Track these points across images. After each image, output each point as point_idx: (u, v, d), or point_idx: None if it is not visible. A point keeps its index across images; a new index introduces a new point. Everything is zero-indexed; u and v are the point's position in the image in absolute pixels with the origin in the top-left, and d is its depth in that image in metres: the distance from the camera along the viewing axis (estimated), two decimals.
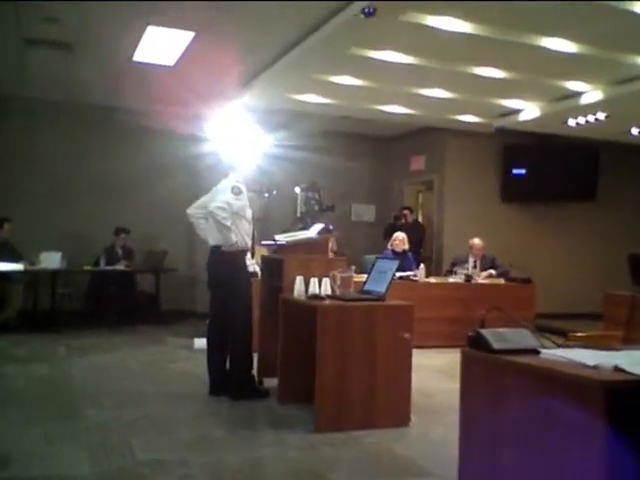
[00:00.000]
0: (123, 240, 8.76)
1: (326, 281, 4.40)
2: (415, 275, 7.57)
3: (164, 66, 7.05)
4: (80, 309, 8.52)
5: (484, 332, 2.15)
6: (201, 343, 5.81)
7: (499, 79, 6.97)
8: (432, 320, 6.76)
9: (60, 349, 6.57)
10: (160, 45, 6.46)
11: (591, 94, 7.47)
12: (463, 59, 6.50)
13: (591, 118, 8.12)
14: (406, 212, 9.55)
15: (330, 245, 5.24)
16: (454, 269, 8.13)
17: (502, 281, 7.90)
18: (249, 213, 4.90)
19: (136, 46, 6.52)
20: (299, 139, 8.75)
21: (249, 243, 4.98)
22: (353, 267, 4.93)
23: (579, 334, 2.85)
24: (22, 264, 7.72)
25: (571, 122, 8.40)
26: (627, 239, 9.68)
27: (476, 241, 8.17)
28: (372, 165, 10.91)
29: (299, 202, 9.88)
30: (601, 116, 8.00)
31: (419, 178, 10.75)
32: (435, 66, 6.58)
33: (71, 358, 6.16)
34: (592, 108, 7.77)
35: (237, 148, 7.21)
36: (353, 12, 5.14)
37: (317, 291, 4.36)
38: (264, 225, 8.16)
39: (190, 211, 5.00)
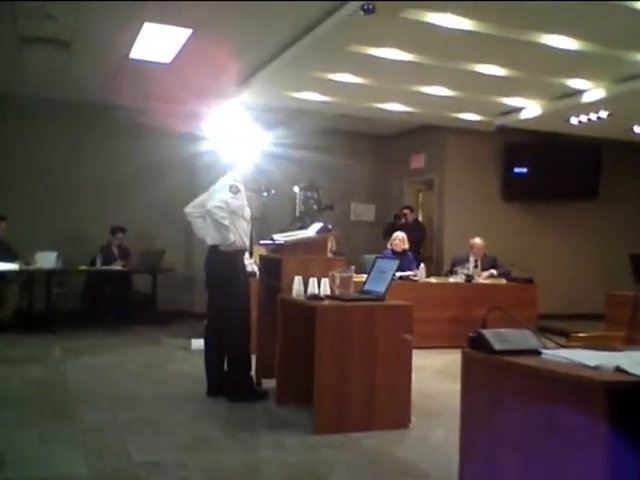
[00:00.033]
0: (119, 239, 8.71)
1: (325, 281, 4.35)
2: (415, 275, 7.53)
3: (161, 63, 7.01)
4: (76, 309, 8.46)
5: (485, 332, 2.14)
6: (198, 344, 5.78)
7: (500, 77, 6.94)
8: (432, 320, 6.72)
9: (55, 350, 6.53)
10: (157, 42, 6.42)
11: (593, 92, 7.44)
12: (464, 56, 6.46)
13: (593, 116, 8.08)
14: (406, 211, 9.52)
15: (329, 245, 5.19)
16: (455, 269, 8.07)
17: (503, 281, 7.85)
18: (247, 212, 4.86)
19: (133, 43, 6.49)
20: (298, 137, 8.70)
21: (247, 242, 4.95)
22: (352, 267, 4.87)
23: (581, 335, 2.83)
24: (17, 264, 7.67)
25: (573, 120, 8.36)
26: (630, 238, 9.66)
27: (477, 241, 8.12)
28: (371, 164, 10.87)
29: (298, 201, 9.86)
30: (603, 114, 7.96)
31: (419, 177, 10.71)
32: (435, 63, 6.55)
33: (67, 359, 6.12)
34: (594, 106, 7.73)
35: (235, 146, 7.16)
36: (352, 9, 5.11)
37: (316, 291, 4.31)
38: (262, 224, 8.10)
39: (188, 210, 4.96)
